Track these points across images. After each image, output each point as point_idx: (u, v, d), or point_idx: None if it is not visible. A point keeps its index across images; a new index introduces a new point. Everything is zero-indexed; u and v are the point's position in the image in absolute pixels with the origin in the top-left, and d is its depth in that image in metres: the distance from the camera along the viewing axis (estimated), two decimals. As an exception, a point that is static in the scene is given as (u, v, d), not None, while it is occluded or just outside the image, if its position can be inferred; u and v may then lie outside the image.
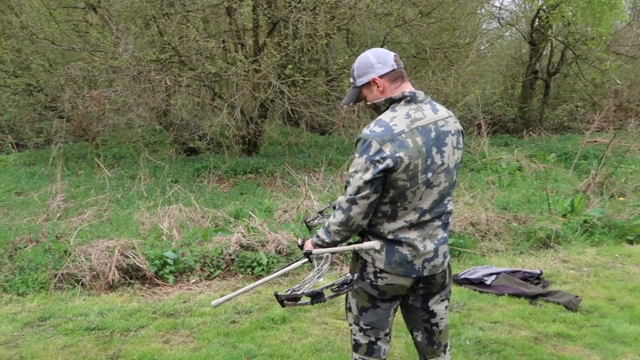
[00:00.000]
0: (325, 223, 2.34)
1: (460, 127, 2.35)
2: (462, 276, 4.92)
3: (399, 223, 2.23)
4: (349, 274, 2.12)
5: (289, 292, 2.13)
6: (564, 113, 16.99)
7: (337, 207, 2.25)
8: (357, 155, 2.18)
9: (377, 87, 2.26)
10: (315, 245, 2.36)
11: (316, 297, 2.08)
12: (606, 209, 6.59)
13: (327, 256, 2.32)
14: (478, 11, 15.00)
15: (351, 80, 2.37)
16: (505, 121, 16.17)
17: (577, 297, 4.46)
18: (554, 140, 12.96)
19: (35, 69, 11.65)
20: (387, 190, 2.18)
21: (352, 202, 2.17)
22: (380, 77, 2.25)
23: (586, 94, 16.65)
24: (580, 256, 5.66)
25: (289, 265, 2.53)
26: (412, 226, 2.23)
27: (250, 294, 4.70)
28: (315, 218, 2.85)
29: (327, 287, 2.11)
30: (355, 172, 2.16)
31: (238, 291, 2.59)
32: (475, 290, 4.75)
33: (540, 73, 15.86)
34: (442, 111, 2.29)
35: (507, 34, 17.85)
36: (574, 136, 13.90)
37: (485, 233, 6.03)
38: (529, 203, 7.17)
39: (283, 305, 2.17)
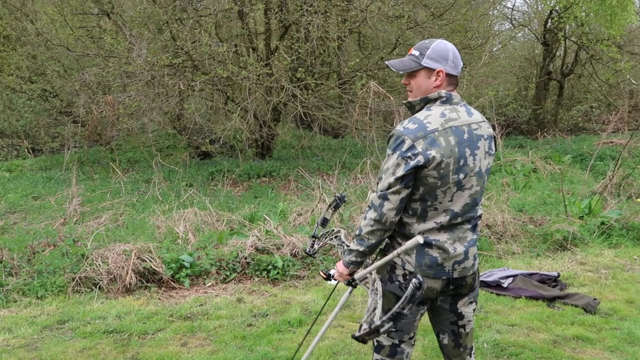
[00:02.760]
0: (356, 231, 2.30)
1: (492, 132, 2.34)
2: (479, 279, 4.89)
3: (429, 224, 2.22)
4: (415, 279, 1.94)
5: (365, 328, 1.96)
6: (579, 114, 16.84)
7: (369, 205, 2.24)
8: (389, 151, 2.18)
9: (437, 79, 2.23)
10: (349, 265, 2.32)
11: (398, 317, 1.95)
12: (624, 211, 6.52)
13: (372, 274, 2.23)
14: (490, 12, 14.93)
15: (415, 53, 2.26)
16: (519, 123, 16.06)
17: (595, 299, 4.42)
18: (568, 142, 12.84)
19: (51, 75, 11.80)
20: (417, 187, 2.18)
21: (384, 197, 2.17)
22: (446, 74, 2.23)
23: (601, 94, 16.50)
24: (598, 258, 5.60)
25: (338, 305, 2.56)
26: (442, 228, 2.23)
27: (266, 297, 4.71)
28: (313, 244, 2.80)
29: (402, 303, 1.94)
30: (387, 168, 2.16)
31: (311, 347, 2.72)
32: (492, 293, 4.72)
33: (554, 74, 15.74)
34: (477, 115, 2.29)
35: (520, 35, 17.77)
36: (589, 137, 13.77)
37: (501, 235, 5.99)
38: (544, 205, 7.11)
39: (365, 342, 2.02)
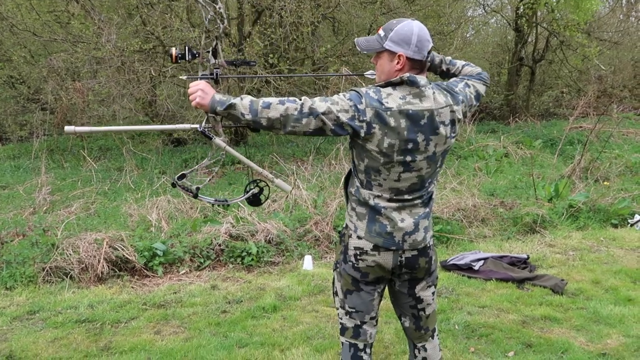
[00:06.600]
0: (265, 99, 2.09)
1: (458, 116, 2.26)
2: (451, 262, 4.97)
3: (375, 193, 2.26)
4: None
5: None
6: (550, 99, 17.11)
7: (295, 100, 2.11)
8: (346, 94, 2.13)
9: (398, 63, 2.17)
10: (217, 105, 2.10)
11: None
12: (591, 194, 6.68)
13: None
14: (463, -2, 15.02)
15: (381, 33, 2.20)
16: (492, 108, 16.25)
17: (563, 280, 4.53)
18: (539, 127, 13.06)
19: (17, 61, 11.47)
20: (363, 158, 2.20)
21: (314, 114, 2.09)
22: (408, 58, 2.16)
23: (571, 80, 16.77)
24: (566, 240, 5.74)
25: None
26: (390, 200, 2.26)
27: (240, 283, 4.71)
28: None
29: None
30: (337, 101, 2.11)
31: None
32: (463, 275, 4.80)
33: (525, 60, 15.93)
34: (440, 100, 2.20)
35: (493, 20, 17.89)
36: (560, 122, 14.02)
37: (473, 219, 6.08)
38: (515, 189, 7.24)
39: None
